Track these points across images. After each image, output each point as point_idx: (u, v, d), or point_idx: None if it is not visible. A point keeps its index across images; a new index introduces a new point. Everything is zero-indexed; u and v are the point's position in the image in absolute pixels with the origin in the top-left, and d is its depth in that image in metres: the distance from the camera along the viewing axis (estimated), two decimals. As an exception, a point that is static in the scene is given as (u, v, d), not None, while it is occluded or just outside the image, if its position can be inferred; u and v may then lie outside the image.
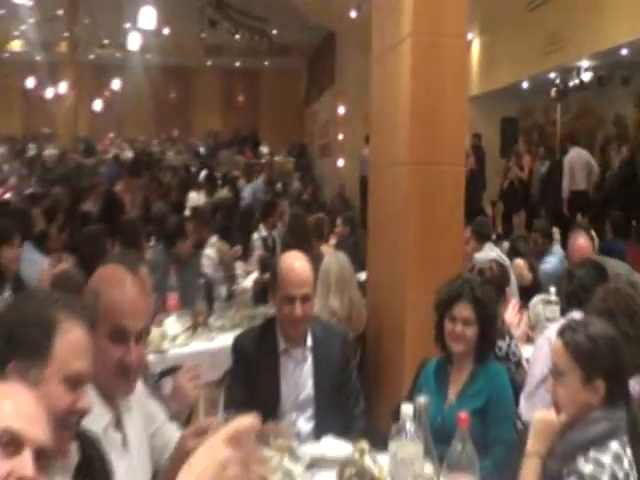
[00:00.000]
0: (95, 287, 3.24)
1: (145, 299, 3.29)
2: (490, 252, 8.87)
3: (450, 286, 4.65)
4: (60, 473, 2.48)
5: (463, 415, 2.88)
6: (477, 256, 8.72)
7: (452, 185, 6.17)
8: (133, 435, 3.25)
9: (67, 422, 2.45)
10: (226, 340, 6.68)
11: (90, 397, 2.86)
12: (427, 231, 6.00)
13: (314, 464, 3.82)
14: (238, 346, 4.79)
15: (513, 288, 7.64)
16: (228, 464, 1.74)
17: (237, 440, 1.77)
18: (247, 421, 1.81)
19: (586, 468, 3.08)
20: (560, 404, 3.33)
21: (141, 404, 3.44)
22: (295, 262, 4.66)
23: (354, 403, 4.77)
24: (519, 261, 8.86)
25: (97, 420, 3.00)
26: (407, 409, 2.94)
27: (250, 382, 4.52)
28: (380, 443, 3.61)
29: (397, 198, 6.23)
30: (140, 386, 3.47)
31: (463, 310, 4.52)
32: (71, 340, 2.48)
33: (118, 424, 3.20)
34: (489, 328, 4.57)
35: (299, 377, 4.63)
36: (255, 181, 15.83)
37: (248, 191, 14.48)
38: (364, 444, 3.91)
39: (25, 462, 2.03)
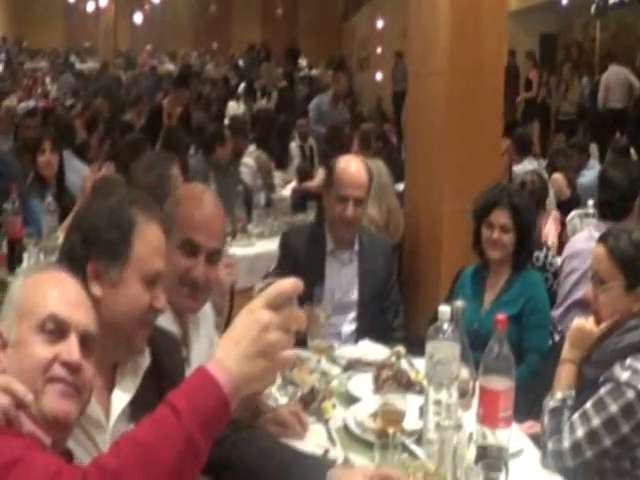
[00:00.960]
0: (176, 198, 3.26)
1: (221, 221, 3.27)
2: (529, 165, 8.80)
3: (488, 193, 4.65)
4: (131, 374, 2.50)
5: (501, 317, 2.87)
6: (516, 169, 8.66)
7: (492, 95, 6.13)
8: (196, 355, 3.26)
9: (145, 320, 2.46)
10: (265, 247, 6.80)
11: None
12: (466, 140, 5.95)
13: (351, 366, 3.86)
14: (287, 242, 4.86)
15: (552, 203, 7.60)
16: (269, 328, 1.77)
17: (278, 304, 1.80)
18: (288, 284, 1.82)
19: (622, 375, 3.08)
20: (600, 311, 3.32)
21: (209, 331, 3.46)
22: (353, 164, 4.71)
23: (394, 315, 4.81)
24: (557, 176, 8.79)
25: None
26: (444, 309, 2.94)
27: (296, 276, 4.51)
28: (417, 350, 3.64)
29: (436, 107, 6.18)
30: (210, 314, 3.51)
31: (500, 217, 4.52)
32: (149, 240, 2.48)
33: (184, 340, 3.23)
34: (526, 236, 4.56)
35: (344, 279, 4.69)
36: (320, 95, 15.61)
37: (314, 103, 14.28)
38: (401, 348, 3.96)
39: (70, 347, 2.06)
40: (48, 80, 23.59)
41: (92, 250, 2.44)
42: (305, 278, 4.30)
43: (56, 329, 2.07)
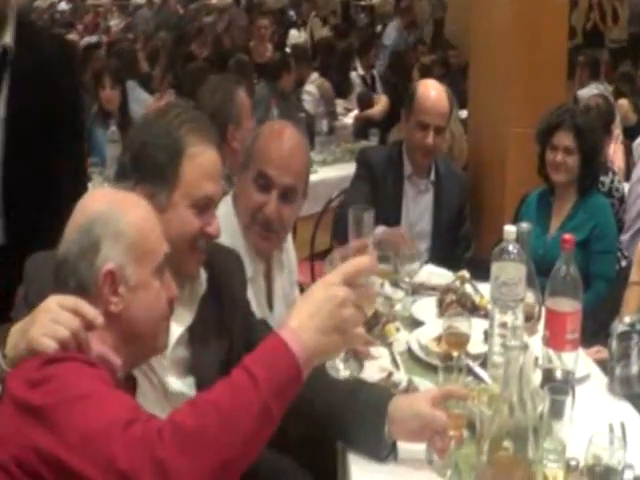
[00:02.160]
0: (257, 132, 3.22)
1: (299, 159, 3.15)
2: (594, 90, 8.61)
3: (551, 115, 4.55)
4: (187, 300, 2.49)
5: (568, 237, 2.80)
6: (581, 93, 8.49)
7: (557, 15, 6.06)
8: (279, 294, 3.27)
9: (195, 245, 2.43)
10: (327, 174, 6.77)
11: (237, 243, 2.98)
12: (530, 63, 5.86)
13: (415, 290, 3.82)
14: (366, 159, 4.76)
15: (618, 128, 7.44)
16: (345, 304, 1.78)
17: (354, 280, 1.81)
18: (365, 261, 1.83)
19: None
20: None
21: (291, 277, 3.45)
22: (434, 90, 4.64)
23: (465, 247, 4.75)
24: (623, 101, 8.60)
25: (248, 267, 2.96)
26: (510, 229, 2.86)
27: (374, 196, 4.50)
28: (482, 275, 3.58)
29: (500, 31, 6.08)
30: (294, 259, 3.50)
31: (564, 138, 4.43)
32: (199, 164, 2.41)
33: (267, 277, 3.22)
34: (591, 158, 4.46)
35: (419, 207, 4.66)
36: (393, 22, 15.39)
37: (391, 32, 14.09)
38: (465, 272, 3.90)
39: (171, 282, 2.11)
40: (109, 15, 23.53)
41: (140, 172, 2.40)
42: (383, 200, 4.34)
43: (164, 267, 2.10)
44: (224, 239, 2.71)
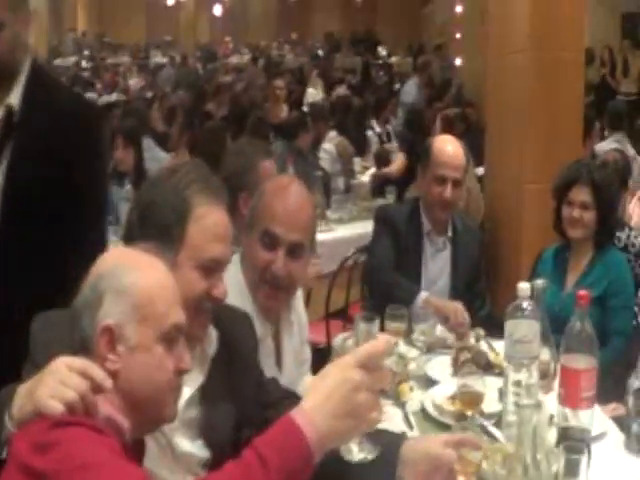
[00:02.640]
0: (261, 189, 3.16)
1: (306, 214, 3.10)
2: (613, 143, 8.61)
3: (568, 170, 4.53)
4: (198, 361, 2.45)
5: (583, 293, 2.78)
6: (598, 146, 8.49)
7: (573, 72, 6.07)
8: (289, 354, 3.24)
9: (201, 306, 2.39)
10: (344, 232, 6.78)
11: (247, 309, 2.89)
12: (547, 119, 5.87)
13: (429, 349, 3.79)
14: (385, 216, 4.74)
15: (636, 181, 7.43)
16: (359, 388, 1.75)
17: (369, 364, 1.78)
18: (381, 345, 1.81)
19: None
20: None
21: (301, 335, 3.41)
22: (450, 144, 4.63)
23: (480, 304, 4.69)
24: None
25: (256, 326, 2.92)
26: (524, 287, 2.85)
27: (395, 252, 4.53)
28: (497, 333, 3.56)
29: (517, 86, 6.10)
30: (304, 317, 3.46)
31: (581, 193, 4.39)
32: (206, 225, 2.39)
33: (276, 337, 3.19)
34: (608, 213, 4.43)
35: (437, 264, 4.61)
36: (412, 79, 15.53)
37: (410, 89, 14.17)
38: (480, 330, 3.89)
39: (185, 354, 2.07)
40: (129, 74, 23.81)
41: (147, 230, 2.38)
42: (404, 257, 4.32)
43: (176, 336, 2.06)
44: (232, 300, 2.68)
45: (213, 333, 2.53)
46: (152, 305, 2.01)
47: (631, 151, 8.71)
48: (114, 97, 17.54)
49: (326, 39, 29.52)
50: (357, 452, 1.94)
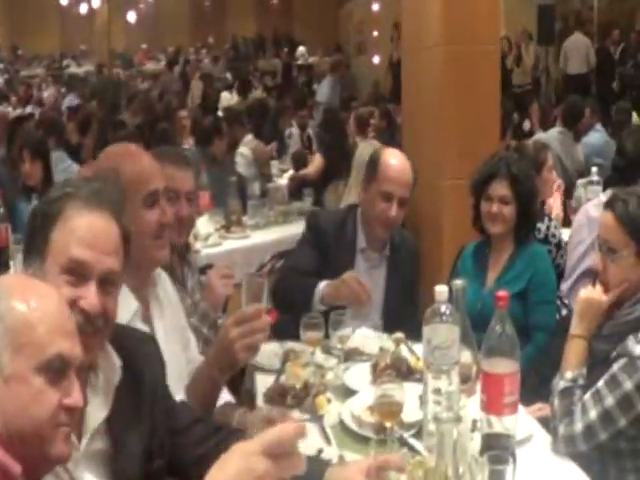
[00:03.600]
0: (111, 167, 3.04)
1: (153, 160, 3.17)
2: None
3: (485, 165, 4.44)
4: (101, 392, 2.32)
5: (502, 294, 2.68)
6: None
7: (488, 66, 5.97)
8: (162, 329, 3.13)
9: (79, 326, 2.15)
10: (260, 238, 6.66)
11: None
12: (463, 114, 5.79)
13: (348, 357, 3.66)
14: (315, 222, 4.56)
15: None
16: (262, 479, 1.59)
17: (276, 451, 1.61)
18: (292, 432, 1.64)
19: (636, 349, 2.90)
20: (610, 282, 3.12)
21: (177, 314, 3.32)
22: (399, 160, 4.42)
23: (411, 317, 4.53)
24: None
25: (123, 309, 2.80)
26: (441, 290, 2.73)
27: (322, 265, 4.35)
28: (419, 336, 3.46)
29: (431, 81, 6.04)
30: (174, 300, 3.35)
31: (499, 188, 4.31)
32: (71, 228, 2.26)
33: (145, 316, 3.08)
34: (528, 207, 4.35)
35: (371, 282, 4.23)
36: (326, 79, 15.46)
37: (324, 89, 14.14)
38: (400, 334, 3.76)
39: (73, 386, 1.92)
40: (44, 86, 23.49)
41: (26, 244, 2.34)
42: (332, 272, 4.16)
43: (61, 368, 1.89)
44: None
45: (116, 361, 2.38)
46: (30, 333, 1.86)
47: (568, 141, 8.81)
48: (28, 110, 17.22)
49: (242, 42, 29.47)
50: None
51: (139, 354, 2.51)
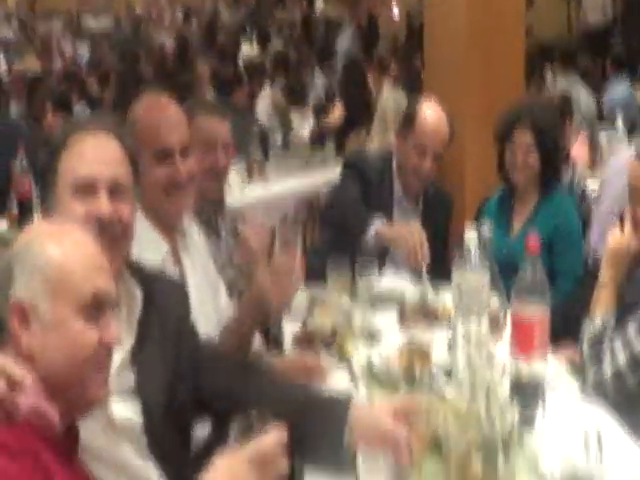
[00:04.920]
0: (133, 116, 3.12)
1: (179, 113, 3.14)
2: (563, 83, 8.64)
3: (509, 113, 4.40)
4: (125, 325, 2.34)
5: (533, 238, 2.66)
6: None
7: (513, 12, 5.92)
8: (192, 276, 3.14)
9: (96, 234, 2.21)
10: (282, 187, 6.62)
11: (144, 228, 2.91)
12: (487, 64, 5.72)
13: (374, 303, 3.65)
14: (356, 163, 4.55)
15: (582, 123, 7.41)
16: None
17: (261, 460, 1.68)
18: (272, 441, 1.70)
19: None
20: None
21: (208, 266, 3.33)
22: (437, 114, 4.40)
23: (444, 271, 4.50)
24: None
25: (154, 250, 2.96)
26: (470, 235, 2.73)
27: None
28: (444, 283, 3.46)
29: (454, 31, 5.94)
30: (202, 248, 3.37)
31: (522, 136, 4.27)
32: (75, 153, 2.36)
33: (175, 258, 3.11)
34: (552, 155, 4.31)
35: None
36: (346, 31, 15.36)
37: (343, 40, 14.08)
38: (428, 281, 3.76)
39: (109, 324, 1.94)
40: (64, 42, 23.39)
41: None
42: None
43: (98, 306, 1.90)
44: None
45: (137, 292, 2.43)
46: (66, 278, 1.88)
47: (583, 91, 8.71)
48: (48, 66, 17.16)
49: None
50: None
51: (163, 289, 2.55)
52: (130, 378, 2.36)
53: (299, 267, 2.75)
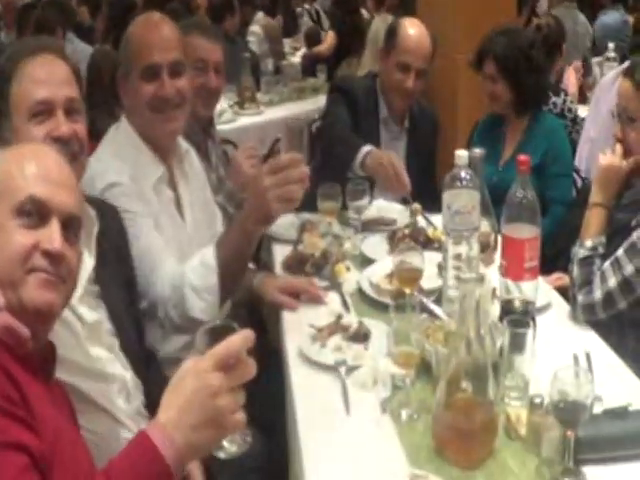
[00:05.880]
0: (126, 35, 3.12)
1: (172, 31, 3.11)
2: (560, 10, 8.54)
3: (479, 44, 4.45)
4: (84, 243, 2.30)
5: (523, 158, 2.61)
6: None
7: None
8: (188, 200, 3.16)
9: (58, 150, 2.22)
10: (274, 114, 6.60)
11: (139, 148, 3.05)
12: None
13: (364, 227, 3.64)
14: (344, 86, 4.50)
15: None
16: (218, 393, 1.61)
17: (228, 363, 1.63)
18: (238, 342, 1.63)
19: None
20: (631, 148, 3.07)
21: (204, 191, 3.36)
22: (418, 30, 4.32)
23: (431, 190, 4.47)
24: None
25: (147, 174, 3.00)
26: (461, 154, 2.69)
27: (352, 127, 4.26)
28: (434, 207, 3.43)
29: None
30: (202, 175, 3.39)
31: (488, 67, 4.36)
32: (28, 75, 2.40)
33: (171, 183, 3.12)
34: (518, 83, 4.30)
35: (392, 152, 4.19)
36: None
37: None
38: (417, 205, 3.74)
39: (52, 234, 1.86)
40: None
41: None
42: (361, 138, 4.04)
43: (36, 213, 1.86)
44: (128, 156, 2.97)
45: (90, 211, 2.47)
46: (9, 179, 1.88)
47: (581, 18, 8.63)
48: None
49: None
50: (229, 446, 1.76)
51: (106, 211, 2.66)
52: (95, 288, 2.45)
53: (302, 169, 2.66)
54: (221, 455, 1.73)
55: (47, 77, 2.40)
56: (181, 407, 1.60)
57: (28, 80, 2.38)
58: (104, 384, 2.32)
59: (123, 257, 2.71)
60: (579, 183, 4.60)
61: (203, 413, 1.59)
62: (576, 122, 5.18)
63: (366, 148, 3.93)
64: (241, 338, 1.63)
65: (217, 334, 1.67)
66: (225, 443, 1.72)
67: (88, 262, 2.36)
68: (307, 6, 11.06)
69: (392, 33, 4.34)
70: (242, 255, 2.81)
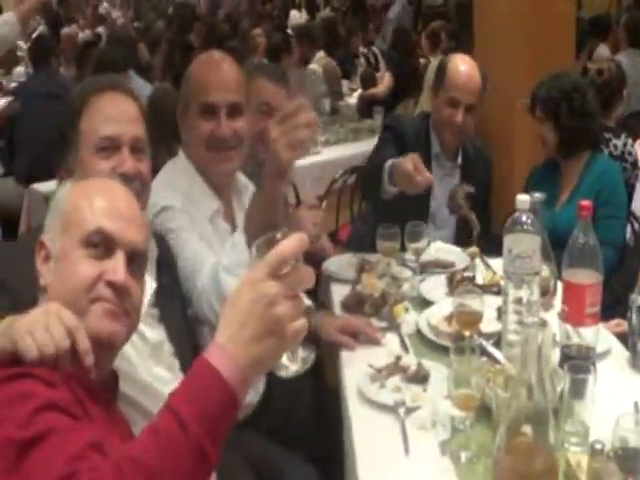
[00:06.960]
0: (188, 72, 3.21)
1: (233, 74, 3.18)
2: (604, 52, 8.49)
3: (534, 88, 4.52)
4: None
5: (585, 203, 2.62)
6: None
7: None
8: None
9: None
10: (331, 154, 6.63)
11: (196, 182, 3.14)
12: (537, 35, 5.70)
13: (423, 269, 3.64)
14: (395, 125, 4.52)
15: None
16: (276, 301, 1.54)
17: (282, 269, 1.56)
18: (290, 246, 1.57)
19: None
20: None
21: None
22: (467, 65, 4.36)
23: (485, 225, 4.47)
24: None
25: (201, 205, 3.08)
26: (523, 198, 2.69)
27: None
28: (493, 250, 3.44)
29: (505, 1, 5.92)
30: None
31: (537, 110, 4.42)
32: (96, 109, 2.50)
33: (228, 216, 3.19)
34: (561, 124, 4.32)
35: (444, 190, 4.27)
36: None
37: (396, 7, 13.99)
38: (474, 249, 3.74)
39: (117, 265, 1.91)
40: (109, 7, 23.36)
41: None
42: None
43: (102, 245, 1.92)
44: (184, 188, 3.05)
45: (152, 242, 2.56)
46: (76, 212, 1.95)
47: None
48: (98, 30, 17.17)
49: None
50: (291, 364, 1.71)
51: (159, 236, 2.80)
52: (155, 311, 2.56)
53: (309, 115, 2.59)
54: (282, 374, 1.68)
55: (117, 114, 2.50)
56: (239, 321, 1.54)
57: (98, 115, 2.49)
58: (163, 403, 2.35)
59: (175, 278, 2.81)
60: (637, 228, 4.55)
61: (262, 323, 1.53)
62: (637, 166, 5.14)
63: (389, 162, 3.89)
64: (293, 242, 1.57)
65: (272, 244, 1.60)
66: (286, 361, 1.68)
67: (150, 285, 2.42)
68: (363, 49, 11.11)
69: (442, 69, 4.39)
70: (269, 219, 2.74)
